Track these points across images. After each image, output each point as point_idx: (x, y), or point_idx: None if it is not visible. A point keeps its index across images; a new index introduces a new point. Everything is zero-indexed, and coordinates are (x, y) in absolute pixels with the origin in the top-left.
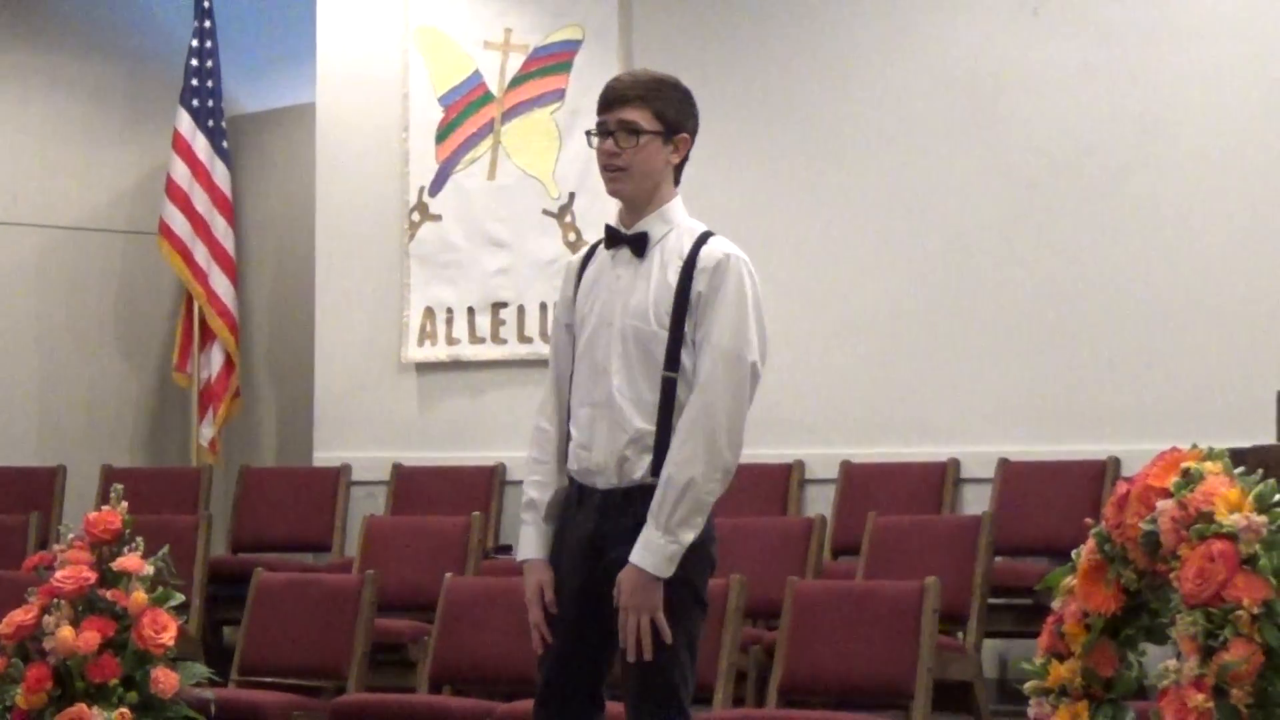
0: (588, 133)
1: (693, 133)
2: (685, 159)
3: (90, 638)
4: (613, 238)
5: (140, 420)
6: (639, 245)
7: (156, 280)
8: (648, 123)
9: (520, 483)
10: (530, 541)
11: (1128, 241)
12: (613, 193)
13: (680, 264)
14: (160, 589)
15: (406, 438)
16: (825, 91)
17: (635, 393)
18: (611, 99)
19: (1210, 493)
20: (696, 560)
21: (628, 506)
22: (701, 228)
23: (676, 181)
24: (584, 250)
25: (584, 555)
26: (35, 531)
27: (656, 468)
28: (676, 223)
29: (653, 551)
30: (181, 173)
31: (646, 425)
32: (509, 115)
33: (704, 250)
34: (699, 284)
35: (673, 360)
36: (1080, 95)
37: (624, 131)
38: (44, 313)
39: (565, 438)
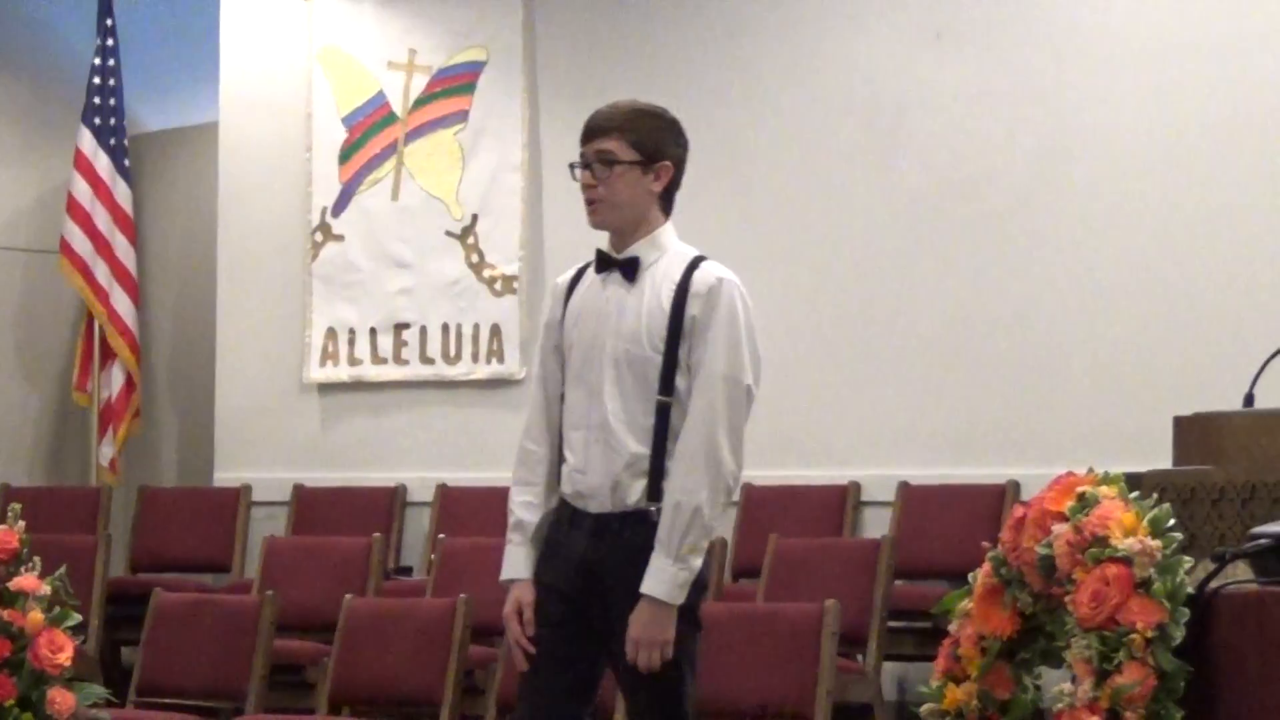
0: (570, 166)
1: (676, 160)
2: (673, 185)
3: None
4: (603, 262)
5: (39, 439)
6: (630, 270)
7: (57, 298)
8: (624, 153)
9: (422, 504)
10: (517, 561)
11: (1027, 267)
12: (593, 224)
13: (673, 288)
14: (57, 609)
15: (308, 458)
16: (727, 115)
17: (630, 416)
18: (590, 131)
19: (1105, 517)
20: (694, 583)
21: (621, 531)
22: (693, 252)
23: (666, 208)
24: (570, 272)
25: (577, 577)
26: None
27: (651, 492)
28: (667, 248)
29: (664, 581)
30: (83, 191)
31: (641, 449)
32: (412, 136)
33: (696, 275)
34: (692, 308)
35: (667, 384)
36: (981, 121)
37: (600, 163)
38: None
39: (556, 460)
